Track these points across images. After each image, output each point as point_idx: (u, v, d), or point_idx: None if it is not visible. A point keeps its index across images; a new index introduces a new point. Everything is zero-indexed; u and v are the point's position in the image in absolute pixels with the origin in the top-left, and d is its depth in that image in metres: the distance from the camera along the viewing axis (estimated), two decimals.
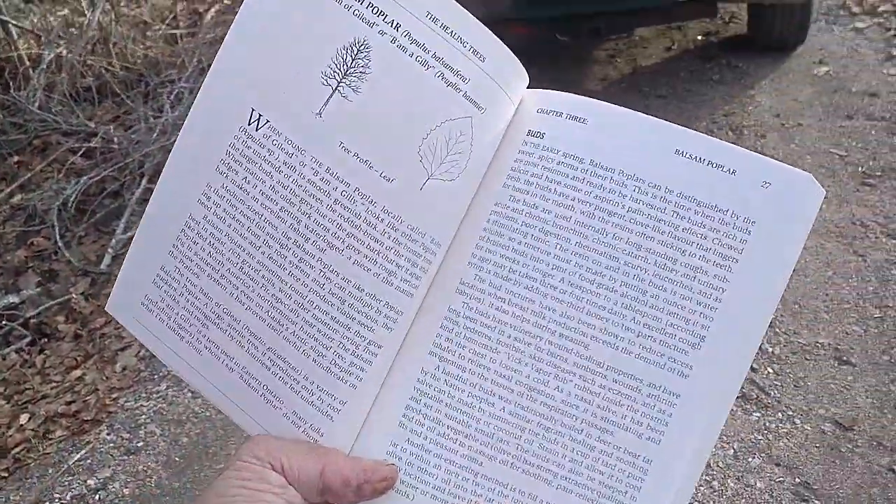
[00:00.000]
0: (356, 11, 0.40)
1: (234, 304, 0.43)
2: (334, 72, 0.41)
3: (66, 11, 4.73)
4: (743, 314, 0.41)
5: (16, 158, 3.42)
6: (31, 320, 2.54)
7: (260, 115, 0.42)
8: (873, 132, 2.91)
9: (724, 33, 3.93)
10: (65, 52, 3.95)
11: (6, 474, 1.95)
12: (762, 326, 0.42)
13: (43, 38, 4.16)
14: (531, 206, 0.43)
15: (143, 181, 3.03)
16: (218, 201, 0.43)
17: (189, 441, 1.95)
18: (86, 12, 4.41)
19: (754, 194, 0.41)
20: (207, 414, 2.03)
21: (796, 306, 2.17)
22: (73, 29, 4.53)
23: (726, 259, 0.41)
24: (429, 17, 0.41)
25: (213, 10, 5.22)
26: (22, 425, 2.11)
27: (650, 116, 0.43)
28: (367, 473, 0.41)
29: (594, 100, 0.44)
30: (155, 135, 3.18)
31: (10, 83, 3.75)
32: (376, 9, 0.40)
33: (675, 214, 0.41)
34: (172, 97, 3.45)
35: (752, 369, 1.97)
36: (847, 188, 2.63)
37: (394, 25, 0.41)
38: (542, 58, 3.85)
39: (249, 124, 0.42)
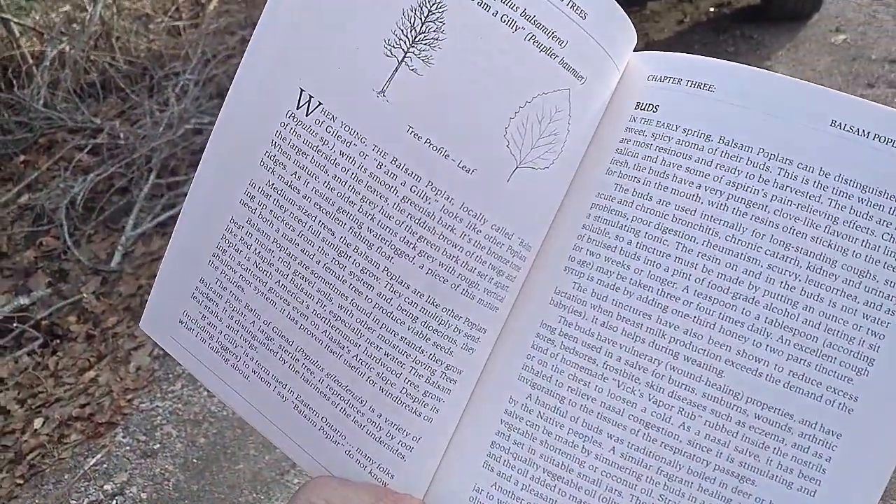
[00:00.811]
0: None
1: (286, 322, 0.37)
2: (400, 40, 0.34)
3: (67, 7, 4.69)
4: None
5: (22, 158, 3.39)
6: (43, 322, 2.51)
7: (311, 97, 0.35)
8: (895, 100, 2.83)
9: (736, 4, 3.83)
10: (68, 48, 3.91)
11: (21, 481, 1.93)
12: None
13: (45, 35, 4.11)
14: (643, 197, 0.35)
15: (152, 176, 2.99)
16: (264, 201, 0.37)
17: (206, 442, 1.91)
18: (87, 7, 4.36)
19: None
20: (224, 413, 1.99)
21: None
22: (76, 24, 4.49)
23: None
24: None
25: (215, 0, 5.16)
26: (36, 430, 2.08)
27: (794, 79, 0.35)
28: None
29: (720, 60, 0.36)
30: (161, 129, 3.14)
31: (14, 81, 3.71)
32: None
33: (834, 203, 0.33)
34: (178, 90, 3.40)
35: None
36: None
37: None
38: None
39: (298, 108, 0.35)
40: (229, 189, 0.37)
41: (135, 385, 2.18)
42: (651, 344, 0.34)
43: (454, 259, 0.35)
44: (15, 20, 3.91)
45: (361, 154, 0.35)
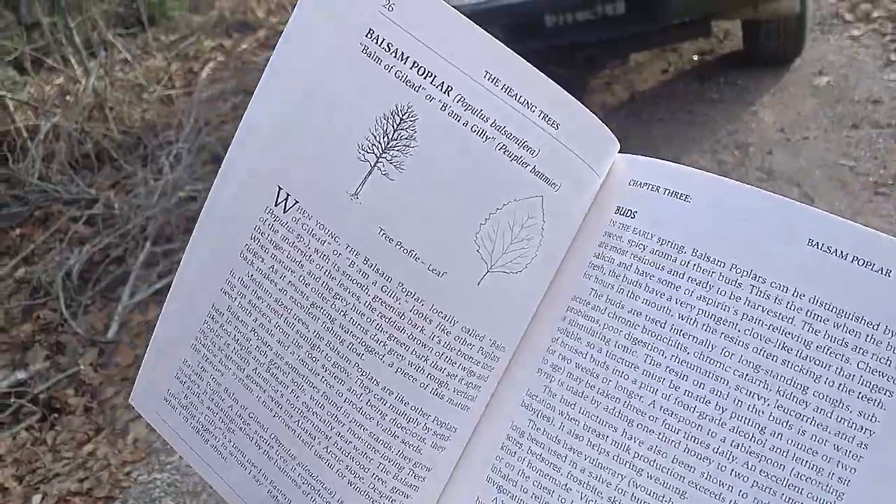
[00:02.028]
0: (398, 72, 0.34)
1: (262, 409, 0.38)
2: (373, 145, 0.35)
3: (61, 80, 4.76)
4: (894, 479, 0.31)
5: (18, 231, 3.40)
6: (41, 395, 2.49)
7: (288, 195, 0.36)
8: (881, 140, 2.86)
9: (719, 51, 3.90)
10: (62, 120, 3.96)
11: None
12: None
13: (39, 109, 4.17)
14: (616, 305, 0.35)
15: (147, 244, 3.00)
16: (243, 291, 0.38)
17: None
18: (80, 80, 4.43)
19: None
20: None
21: None
22: (69, 97, 4.55)
23: (877, 391, 0.31)
24: (487, 77, 0.34)
25: (207, 67, 5.25)
26: None
27: (776, 195, 0.34)
28: None
29: (702, 171, 0.35)
30: (156, 197, 3.16)
31: (9, 156, 3.74)
32: (422, 69, 0.34)
33: (807, 326, 0.32)
34: (171, 158, 3.43)
35: None
36: (860, 199, 2.57)
37: (444, 89, 0.34)
38: None
39: (276, 205, 0.37)
40: (212, 277, 0.38)
41: (133, 457, 2.15)
42: (615, 458, 0.33)
43: (423, 359, 0.36)
44: (9, 95, 3.97)
45: (335, 252, 0.36)
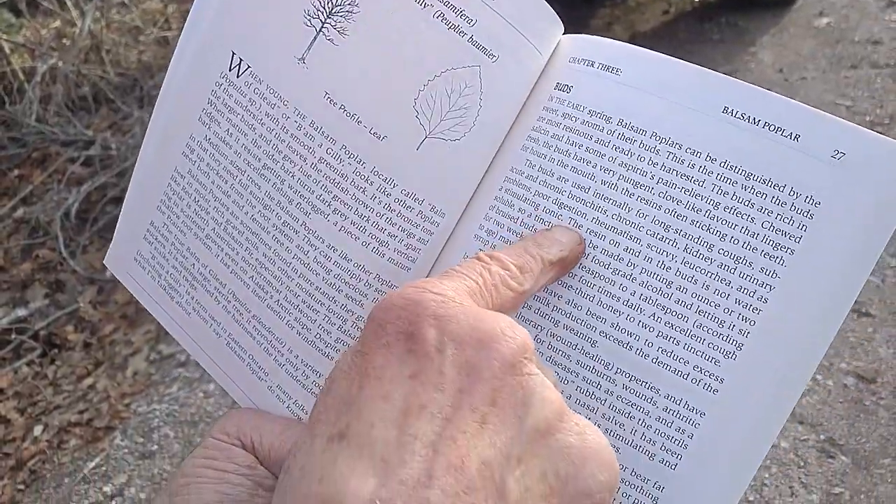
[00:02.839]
0: None
1: (220, 266, 0.40)
2: (318, 10, 0.36)
3: (57, 23, 4.72)
4: (796, 324, 0.32)
5: (16, 172, 3.41)
6: (41, 332, 2.53)
7: (241, 60, 0.37)
8: (878, 80, 2.84)
9: None
10: (58, 63, 3.93)
11: (23, 487, 1.94)
12: (821, 340, 0.32)
13: (36, 52, 4.14)
14: (546, 173, 0.37)
15: None
16: (201, 154, 0.39)
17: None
18: (77, 22, 4.39)
19: (821, 167, 0.32)
20: (220, 413, 2.01)
21: None
22: (66, 40, 4.52)
23: (778, 248, 0.33)
24: None
25: None
26: (36, 437, 2.10)
27: (695, 65, 0.35)
28: None
29: (635, 46, 0.36)
30: None
31: (6, 98, 3.74)
32: None
33: (717, 190, 0.33)
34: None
35: None
36: None
37: None
38: None
39: (230, 70, 0.38)
40: (174, 142, 0.40)
41: (132, 390, 2.20)
42: (537, 311, 0.36)
43: (365, 219, 0.37)
44: (5, 37, 3.94)
45: (284, 115, 0.37)
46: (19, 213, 3.14)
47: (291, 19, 0.36)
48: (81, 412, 2.17)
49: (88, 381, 2.29)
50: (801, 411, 1.71)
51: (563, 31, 0.39)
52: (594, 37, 0.39)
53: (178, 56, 0.40)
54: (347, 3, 0.35)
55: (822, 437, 1.65)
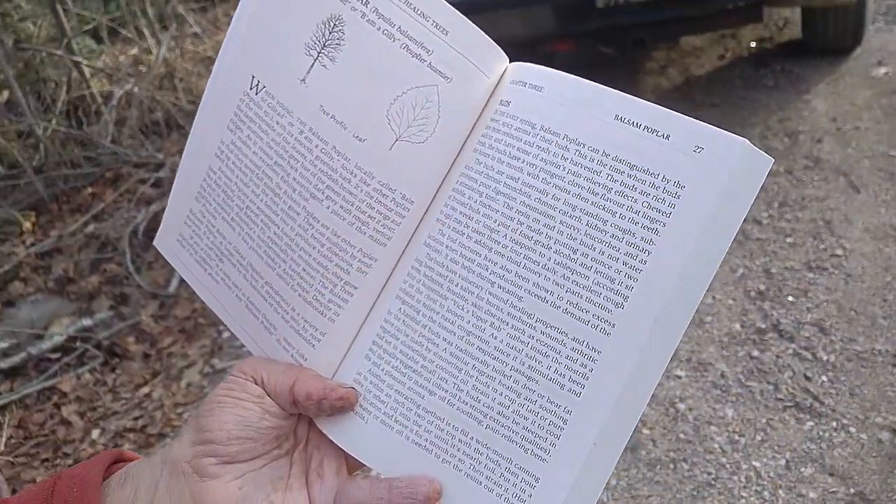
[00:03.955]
0: None
1: (241, 243, 0.50)
2: (315, 43, 0.46)
3: (135, 51, 4.99)
4: (669, 280, 0.42)
5: (89, 190, 3.62)
6: (104, 342, 2.68)
7: (259, 82, 0.47)
8: None
9: (778, 39, 3.87)
10: (134, 88, 4.17)
11: None
12: (692, 295, 0.42)
13: (113, 77, 4.39)
14: (488, 169, 0.46)
15: None
16: (229, 154, 0.49)
17: None
18: (153, 50, 4.64)
19: (686, 159, 0.41)
20: None
21: (852, 312, 2.12)
22: (142, 67, 4.78)
23: (654, 222, 0.42)
24: None
25: None
26: (94, 440, 2.23)
27: (597, 84, 0.45)
28: (327, 391, 0.47)
29: (555, 70, 0.46)
30: None
31: (84, 120, 3.97)
32: None
33: (609, 177, 0.43)
34: None
35: (806, 377, 1.94)
36: None
37: (363, 2, 0.45)
38: (594, 70, 3.87)
39: (251, 89, 0.48)
40: (209, 144, 0.50)
41: (185, 400, 2.31)
42: (478, 275, 0.45)
43: (350, 203, 0.47)
44: (86, 62, 4.19)
45: (289, 123, 0.47)
46: (90, 228, 3.33)
47: (296, 50, 0.46)
48: (136, 419, 2.29)
49: (145, 389, 2.42)
50: (833, 463, 1.71)
51: (507, 61, 0.49)
52: (530, 64, 0.48)
53: (213, 76, 0.50)
54: (336, 38, 0.46)
55: (852, 490, 1.65)
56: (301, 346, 0.49)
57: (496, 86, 0.47)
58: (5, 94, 4.39)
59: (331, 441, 0.48)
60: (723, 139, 0.41)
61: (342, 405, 0.47)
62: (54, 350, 2.69)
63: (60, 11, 4.29)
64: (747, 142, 0.41)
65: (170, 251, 0.54)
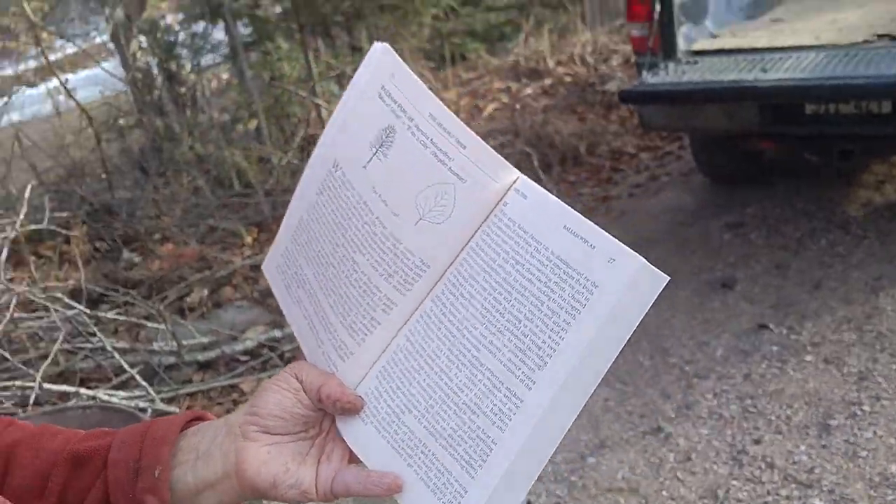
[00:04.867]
0: (392, 108, 0.59)
1: (312, 277, 0.65)
2: (376, 142, 0.60)
3: None
4: (578, 356, 0.53)
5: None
6: (287, 354, 2.98)
7: (338, 163, 0.62)
8: None
9: None
10: None
11: None
12: (594, 372, 0.53)
13: None
14: (482, 251, 0.58)
15: None
16: (314, 210, 0.65)
17: None
18: None
19: (602, 265, 0.53)
20: None
21: None
22: None
23: (573, 309, 0.53)
24: (430, 116, 0.58)
25: (491, 106, 5.73)
26: None
27: (559, 201, 0.56)
28: (341, 396, 0.60)
29: (540, 188, 0.58)
30: None
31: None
32: (401, 107, 0.59)
33: (551, 270, 0.54)
34: None
35: None
36: None
37: (410, 118, 0.58)
38: (801, 175, 3.75)
39: (333, 167, 0.63)
40: (305, 199, 0.66)
41: None
42: (457, 327, 0.58)
43: (383, 259, 0.60)
44: (325, 105, 4.70)
45: (351, 196, 0.61)
46: None
47: (364, 145, 0.60)
48: None
49: None
50: None
51: (517, 174, 0.60)
52: (526, 179, 0.59)
53: (316, 151, 0.66)
54: (389, 141, 0.59)
55: None
56: (335, 359, 0.63)
57: (507, 191, 0.59)
58: (254, 122, 5.04)
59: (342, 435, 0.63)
60: (628, 256, 0.52)
61: (350, 409, 0.61)
62: (245, 353, 3.03)
63: (311, 57, 4.87)
64: (644, 261, 0.52)
65: (270, 275, 0.71)
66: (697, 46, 3.20)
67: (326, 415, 0.63)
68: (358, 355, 0.62)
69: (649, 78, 3.03)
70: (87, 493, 0.61)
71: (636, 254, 0.52)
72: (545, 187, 0.57)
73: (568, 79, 5.97)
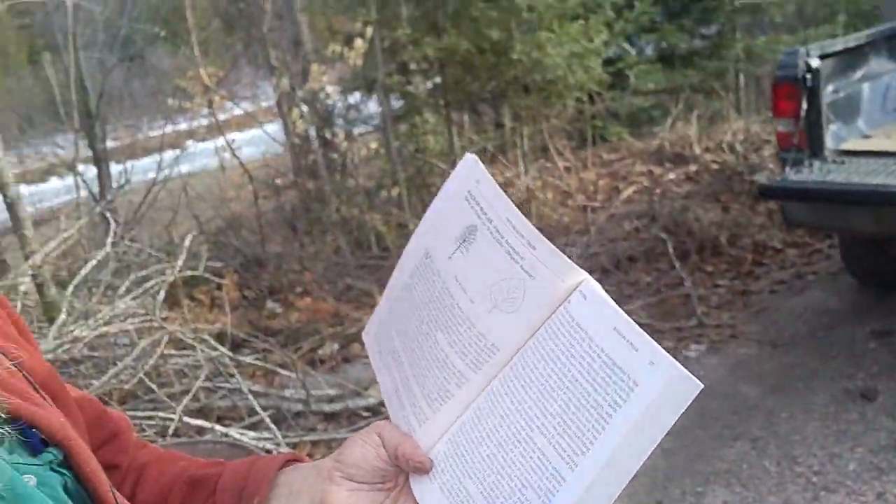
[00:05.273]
0: (475, 210, 0.67)
1: (400, 348, 0.73)
2: (460, 237, 0.68)
3: (510, 173, 5.66)
4: (614, 448, 0.58)
5: None
6: None
7: (429, 252, 0.71)
8: None
9: None
10: None
11: None
12: (633, 461, 0.57)
13: None
14: (545, 343, 0.64)
15: None
16: (406, 290, 0.73)
17: None
18: (519, 176, 5.24)
19: (643, 367, 0.57)
20: None
21: None
22: (511, 189, 5.39)
23: (615, 402, 0.58)
24: (507, 220, 0.65)
25: (630, 189, 5.71)
26: None
27: (615, 306, 0.61)
28: (412, 455, 0.67)
29: (599, 289, 0.62)
30: None
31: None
32: (483, 210, 0.66)
33: (599, 365, 0.59)
34: None
35: None
36: None
37: (489, 220, 0.66)
38: None
39: (424, 256, 0.71)
40: (401, 279, 0.74)
41: None
42: (516, 408, 0.63)
43: (460, 339, 0.67)
44: None
45: (437, 282, 0.69)
46: None
47: (450, 239, 0.68)
48: None
49: None
50: None
51: (584, 275, 0.64)
52: (593, 284, 0.63)
53: (412, 240, 0.74)
54: (472, 237, 0.67)
55: None
56: (414, 423, 0.70)
57: (572, 291, 0.65)
58: (397, 190, 5.29)
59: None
60: (667, 361, 0.57)
61: (419, 468, 0.67)
62: (366, 408, 3.15)
63: (455, 132, 5.09)
64: (681, 368, 0.56)
65: (367, 341, 0.80)
66: (847, 146, 3.12)
67: (402, 471, 0.69)
68: (433, 421, 0.69)
69: (792, 175, 2.97)
70: None
71: (674, 360, 0.57)
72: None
73: (714, 166, 5.87)
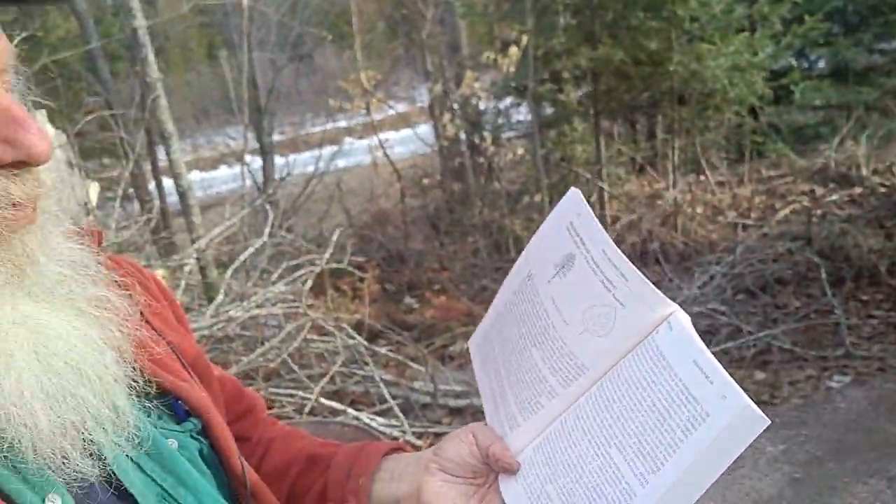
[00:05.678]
0: (575, 240, 0.71)
1: (500, 357, 0.78)
2: (559, 263, 0.72)
3: (660, 185, 5.54)
4: (682, 470, 0.61)
5: None
6: None
7: (531, 275, 0.75)
8: None
9: None
10: (639, 218, 4.67)
11: None
12: (698, 484, 0.60)
13: (628, 205, 4.97)
14: (631, 367, 0.67)
15: None
16: (509, 306, 0.79)
17: None
18: (668, 190, 5.13)
19: (715, 399, 0.60)
20: None
21: None
22: (659, 202, 5.29)
23: (687, 429, 0.61)
24: (602, 250, 0.68)
25: (788, 208, 5.43)
26: None
27: (698, 339, 0.63)
28: (501, 456, 0.72)
29: (687, 321, 0.65)
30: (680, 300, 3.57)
31: None
32: (582, 240, 0.70)
33: (677, 393, 0.62)
34: (707, 276, 3.80)
35: None
36: None
37: (587, 250, 0.69)
38: None
39: (527, 277, 0.76)
40: (506, 296, 0.80)
41: None
42: (599, 423, 0.67)
43: (552, 355, 0.72)
44: (608, 189, 4.84)
45: (535, 302, 0.74)
46: None
47: (550, 265, 0.73)
48: None
49: None
50: None
51: (675, 307, 0.66)
52: (682, 316, 0.66)
53: (518, 262, 0.79)
54: (570, 264, 0.70)
55: None
56: (506, 427, 0.75)
57: (661, 322, 0.67)
58: (539, 196, 5.33)
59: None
60: (738, 396, 0.59)
61: (507, 468, 0.72)
62: None
63: (603, 142, 5.05)
64: (750, 402, 0.58)
65: (472, 349, 0.85)
66: None
67: (491, 470, 0.75)
68: (523, 428, 0.74)
69: None
70: (313, 484, 0.80)
71: (745, 395, 0.60)
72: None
73: (882, 189, 5.48)
